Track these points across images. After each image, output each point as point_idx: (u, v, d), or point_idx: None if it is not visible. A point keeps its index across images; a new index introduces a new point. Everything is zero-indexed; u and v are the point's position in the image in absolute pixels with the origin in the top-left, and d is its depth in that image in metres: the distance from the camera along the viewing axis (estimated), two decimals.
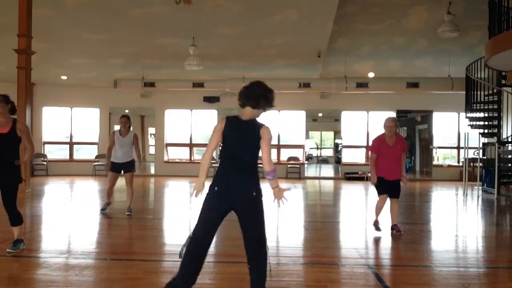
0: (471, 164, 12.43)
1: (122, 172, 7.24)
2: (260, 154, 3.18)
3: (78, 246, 5.20)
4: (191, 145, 15.72)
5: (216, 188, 3.12)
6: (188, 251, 3.13)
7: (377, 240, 5.82)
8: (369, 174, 6.21)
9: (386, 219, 6.27)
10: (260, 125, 3.18)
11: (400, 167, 6.03)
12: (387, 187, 5.97)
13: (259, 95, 3.23)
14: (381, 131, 6.09)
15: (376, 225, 6.10)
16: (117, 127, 7.69)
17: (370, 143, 6.45)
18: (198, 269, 3.15)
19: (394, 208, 5.99)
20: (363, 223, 7.21)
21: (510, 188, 11.65)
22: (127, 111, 18.97)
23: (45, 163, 15.01)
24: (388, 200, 6.02)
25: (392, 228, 5.96)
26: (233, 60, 12.57)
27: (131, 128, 7.29)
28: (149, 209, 8.85)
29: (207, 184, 3.19)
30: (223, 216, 3.17)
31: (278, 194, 3.26)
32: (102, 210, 7.36)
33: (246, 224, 3.17)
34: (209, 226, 3.14)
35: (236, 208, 3.15)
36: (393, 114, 15.00)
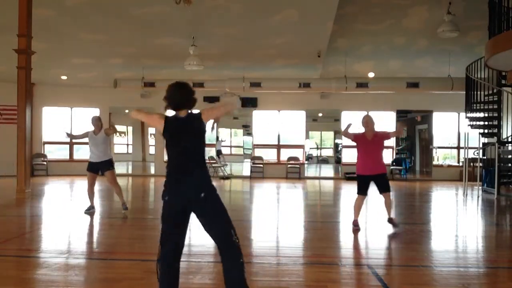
0: (471, 164, 12.44)
1: (100, 172, 7.35)
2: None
3: (78, 246, 5.20)
4: None
5: (166, 198, 3.07)
6: (158, 261, 3.06)
7: (377, 240, 5.82)
8: None
9: (383, 217, 6.28)
10: (198, 114, 3.16)
11: (382, 162, 6.22)
12: (368, 185, 6.16)
13: (187, 98, 3.22)
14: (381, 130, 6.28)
15: (355, 224, 6.22)
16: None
17: None
18: (174, 276, 3.09)
19: (388, 201, 6.19)
20: (363, 223, 7.20)
21: (510, 188, 11.64)
22: (127, 111, 19.01)
23: (45, 163, 15.02)
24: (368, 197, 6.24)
25: (389, 222, 6.16)
26: (233, 60, 12.57)
27: (103, 126, 7.52)
28: (149, 209, 8.85)
29: None
30: (183, 222, 3.11)
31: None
32: (86, 211, 7.35)
33: (205, 225, 3.10)
34: (172, 235, 3.08)
35: (192, 211, 3.10)
36: (393, 114, 15.03)
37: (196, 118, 3.14)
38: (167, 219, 3.08)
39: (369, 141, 6.12)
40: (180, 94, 3.20)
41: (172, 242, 3.07)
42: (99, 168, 7.31)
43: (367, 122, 6.18)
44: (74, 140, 7.59)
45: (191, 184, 3.05)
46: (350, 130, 6.24)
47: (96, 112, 15.25)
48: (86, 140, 7.61)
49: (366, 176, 6.12)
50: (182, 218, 3.10)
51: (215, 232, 3.09)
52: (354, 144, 6.34)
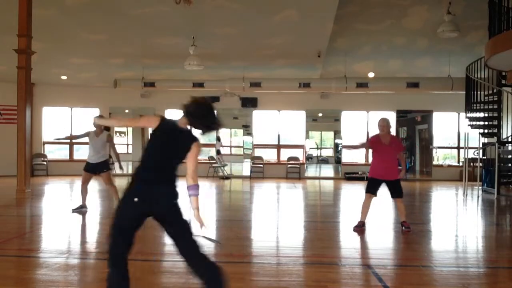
0: (471, 164, 12.43)
1: (98, 172, 7.33)
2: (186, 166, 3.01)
3: (78, 246, 5.20)
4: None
5: (136, 199, 2.88)
6: (108, 259, 2.91)
7: (377, 240, 5.82)
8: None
9: (390, 218, 6.28)
10: (194, 139, 3.04)
11: (397, 167, 6.13)
12: (379, 187, 6.09)
13: (203, 122, 3.04)
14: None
15: (360, 225, 6.11)
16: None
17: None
18: (124, 277, 2.92)
19: (400, 206, 6.15)
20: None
21: (510, 188, 11.64)
22: (127, 111, 19.01)
23: (45, 163, 15.01)
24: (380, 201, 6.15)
25: (402, 225, 6.12)
26: (233, 60, 12.57)
27: (104, 130, 7.40)
28: None
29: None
30: (140, 225, 2.96)
31: (197, 217, 2.96)
32: (76, 209, 7.36)
33: (177, 233, 2.95)
34: (124, 235, 2.91)
35: (159, 217, 2.96)
36: (393, 114, 15.01)
37: (191, 139, 3.03)
38: (126, 219, 2.92)
39: (386, 145, 6.00)
40: (204, 115, 3.04)
41: (125, 239, 2.93)
42: (96, 169, 7.31)
43: (383, 126, 6.04)
44: (74, 140, 7.56)
45: (166, 191, 2.95)
46: (357, 143, 6.20)
47: (96, 112, 15.29)
48: (87, 140, 7.57)
49: (380, 180, 6.03)
50: (141, 221, 2.95)
51: (188, 244, 2.95)
52: (354, 144, 6.32)
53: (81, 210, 7.38)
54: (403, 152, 6.22)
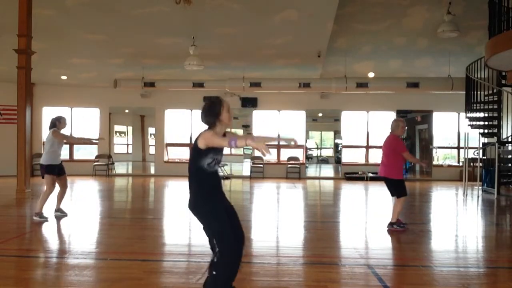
0: (471, 164, 12.43)
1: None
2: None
3: (78, 246, 5.20)
4: (191, 145, 15.70)
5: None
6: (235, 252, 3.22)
7: (377, 240, 5.82)
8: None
9: (389, 218, 6.27)
10: (199, 135, 3.19)
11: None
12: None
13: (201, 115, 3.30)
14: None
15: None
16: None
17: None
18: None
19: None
20: (363, 223, 7.21)
21: (510, 188, 11.64)
22: (127, 111, 19.05)
23: None
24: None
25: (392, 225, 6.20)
26: (233, 60, 12.57)
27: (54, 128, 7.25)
28: (149, 209, 8.85)
29: None
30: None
31: (258, 146, 2.92)
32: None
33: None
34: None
35: None
36: (393, 114, 15.01)
37: (197, 138, 3.19)
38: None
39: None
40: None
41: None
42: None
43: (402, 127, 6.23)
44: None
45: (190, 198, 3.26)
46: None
47: (96, 112, 15.31)
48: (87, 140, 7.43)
49: None
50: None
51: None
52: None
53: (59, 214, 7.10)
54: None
